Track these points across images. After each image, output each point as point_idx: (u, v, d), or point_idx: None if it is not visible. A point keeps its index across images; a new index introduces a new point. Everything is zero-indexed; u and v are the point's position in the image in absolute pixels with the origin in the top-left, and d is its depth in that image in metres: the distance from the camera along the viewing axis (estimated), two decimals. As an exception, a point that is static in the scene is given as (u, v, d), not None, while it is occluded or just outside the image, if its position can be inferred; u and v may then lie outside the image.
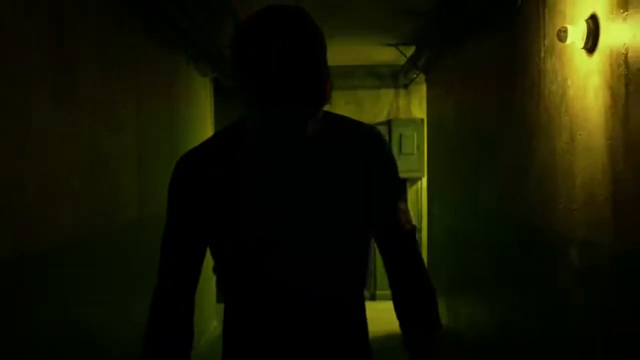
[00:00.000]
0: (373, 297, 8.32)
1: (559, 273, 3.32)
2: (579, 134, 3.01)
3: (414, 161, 8.74)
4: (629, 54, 2.52)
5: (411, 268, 1.71)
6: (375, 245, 1.73)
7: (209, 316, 6.79)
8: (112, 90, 3.69)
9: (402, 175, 1.80)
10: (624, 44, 2.55)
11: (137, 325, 3.94)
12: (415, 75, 8.15)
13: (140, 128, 4.24)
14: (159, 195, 4.67)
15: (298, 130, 1.55)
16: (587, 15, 2.85)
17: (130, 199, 4.06)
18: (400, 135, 8.81)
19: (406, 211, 1.70)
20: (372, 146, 1.65)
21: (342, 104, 8.48)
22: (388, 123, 8.93)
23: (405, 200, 1.75)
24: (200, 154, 1.65)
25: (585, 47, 2.86)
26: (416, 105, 8.88)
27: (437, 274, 6.18)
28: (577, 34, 2.87)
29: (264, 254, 1.59)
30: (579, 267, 3.07)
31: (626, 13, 2.53)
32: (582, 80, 2.96)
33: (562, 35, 2.89)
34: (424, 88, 8.01)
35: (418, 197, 8.88)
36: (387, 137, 8.52)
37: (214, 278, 1.70)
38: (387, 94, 9.09)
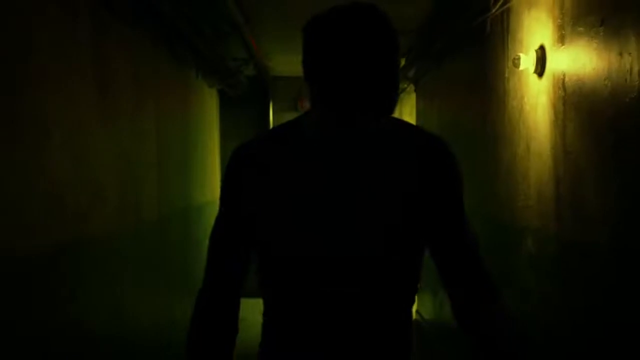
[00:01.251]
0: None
1: (522, 262, 3.91)
2: (533, 143, 3.61)
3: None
4: (566, 79, 3.12)
5: (484, 291, 1.57)
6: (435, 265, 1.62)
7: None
8: (140, 104, 4.29)
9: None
10: (562, 71, 3.15)
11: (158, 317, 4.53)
12: (406, 85, 8.73)
13: (159, 137, 4.84)
14: (173, 197, 5.28)
15: (360, 135, 1.49)
16: (537, 45, 3.45)
17: (151, 201, 4.66)
18: (393, 141, 9.38)
19: (470, 223, 1.59)
20: (439, 153, 1.54)
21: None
22: (381, 129, 9.51)
23: None
24: (257, 146, 1.56)
25: (536, 72, 3.46)
26: (407, 113, 9.47)
27: (426, 267, 6.75)
28: (529, 61, 3.47)
29: (311, 257, 1.50)
30: (533, 254, 3.67)
31: (563, 46, 3.13)
32: (534, 98, 3.56)
33: (516, 62, 3.50)
34: (414, 97, 8.61)
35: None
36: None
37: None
38: (381, 102, 9.66)
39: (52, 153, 2.87)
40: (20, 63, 2.59)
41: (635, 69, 2.42)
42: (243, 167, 1.54)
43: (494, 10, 4.04)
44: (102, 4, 3.52)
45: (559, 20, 3.17)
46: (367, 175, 1.49)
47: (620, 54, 2.53)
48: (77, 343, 3.05)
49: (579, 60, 2.96)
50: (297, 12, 4.94)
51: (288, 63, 8.10)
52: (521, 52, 3.62)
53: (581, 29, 2.91)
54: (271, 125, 9.19)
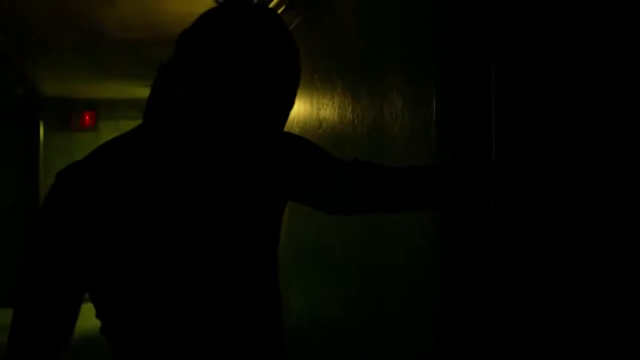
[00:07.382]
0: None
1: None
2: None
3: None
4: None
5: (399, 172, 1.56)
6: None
7: None
8: None
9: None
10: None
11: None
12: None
13: None
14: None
15: (242, 153, 1.24)
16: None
17: None
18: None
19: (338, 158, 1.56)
20: (293, 144, 1.48)
21: (108, 132, 9.64)
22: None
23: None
24: (97, 166, 1.27)
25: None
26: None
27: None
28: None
29: (180, 286, 1.29)
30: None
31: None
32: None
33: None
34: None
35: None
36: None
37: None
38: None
39: None
40: None
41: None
42: (83, 193, 1.23)
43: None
44: None
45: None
46: (233, 186, 1.35)
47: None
48: None
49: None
50: (65, 45, 5.63)
51: (59, 86, 8.60)
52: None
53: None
54: (41, 144, 9.52)
